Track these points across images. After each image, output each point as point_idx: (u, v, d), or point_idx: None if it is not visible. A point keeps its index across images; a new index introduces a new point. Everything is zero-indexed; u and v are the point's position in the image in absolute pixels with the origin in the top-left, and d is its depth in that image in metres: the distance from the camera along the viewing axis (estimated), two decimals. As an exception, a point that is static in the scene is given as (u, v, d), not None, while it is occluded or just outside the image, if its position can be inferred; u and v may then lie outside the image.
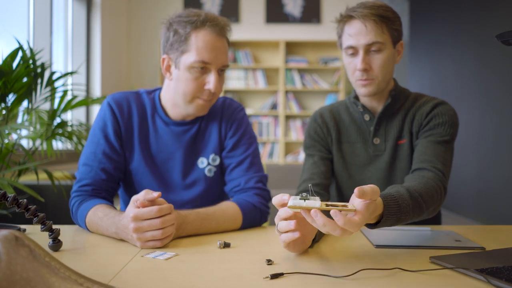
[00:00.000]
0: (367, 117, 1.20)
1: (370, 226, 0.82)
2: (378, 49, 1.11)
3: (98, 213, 0.97)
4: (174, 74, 1.10)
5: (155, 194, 0.86)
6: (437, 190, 0.98)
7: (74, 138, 1.91)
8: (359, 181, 1.20)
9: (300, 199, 0.72)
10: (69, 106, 1.90)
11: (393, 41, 1.14)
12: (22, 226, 0.99)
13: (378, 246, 0.87)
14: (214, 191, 1.20)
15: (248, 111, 4.57)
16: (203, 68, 1.07)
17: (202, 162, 1.18)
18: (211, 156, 1.18)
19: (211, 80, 1.07)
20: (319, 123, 1.25)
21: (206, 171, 1.17)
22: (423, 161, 1.07)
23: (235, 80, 4.64)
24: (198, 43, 1.05)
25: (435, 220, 1.25)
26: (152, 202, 0.87)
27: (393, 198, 0.83)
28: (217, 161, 1.18)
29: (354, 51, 1.12)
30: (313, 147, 1.23)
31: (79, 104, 1.97)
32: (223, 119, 1.20)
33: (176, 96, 1.12)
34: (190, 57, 1.06)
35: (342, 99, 1.31)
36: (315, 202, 0.71)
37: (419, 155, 1.09)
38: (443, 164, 1.06)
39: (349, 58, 1.15)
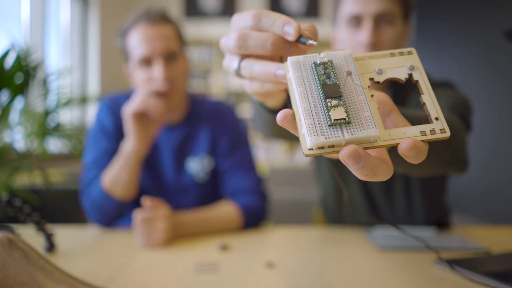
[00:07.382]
0: None
1: None
2: (389, 20, 0.91)
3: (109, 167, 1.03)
4: (134, 80, 1.12)
5: (149, 203, 0.90)
6: None
7: (70, 138, 1.89)
8: None
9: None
10: (65, 105, 1.89)
11: (404, 17, 0.96)
12: (16, 228, 0.97)
13: (382, 248, 0.85)
14: (209, 196, 1.18)
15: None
16: (148, 63, 1.05)
17: (192, 166, 1.16)
18: (201, 160, 1.16)
19: (155, 68, 1.05)
20: None
21: (196, 175, 1.16)
22: None
23: (236, 80, 4.61)
24: (132, 43, 1.05)
25: (443, 219, 1.20)
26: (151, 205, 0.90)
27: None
28: (208, 165, 1.17)
29: (358, 22, 0.92)
30: None
31: (75, 103, 1.95)
32: (216, 123, 1.18)
33: None
34: (134, 59, 1.06)
35: None
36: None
37: None
38: None
39: (349, 33, 0.94)
